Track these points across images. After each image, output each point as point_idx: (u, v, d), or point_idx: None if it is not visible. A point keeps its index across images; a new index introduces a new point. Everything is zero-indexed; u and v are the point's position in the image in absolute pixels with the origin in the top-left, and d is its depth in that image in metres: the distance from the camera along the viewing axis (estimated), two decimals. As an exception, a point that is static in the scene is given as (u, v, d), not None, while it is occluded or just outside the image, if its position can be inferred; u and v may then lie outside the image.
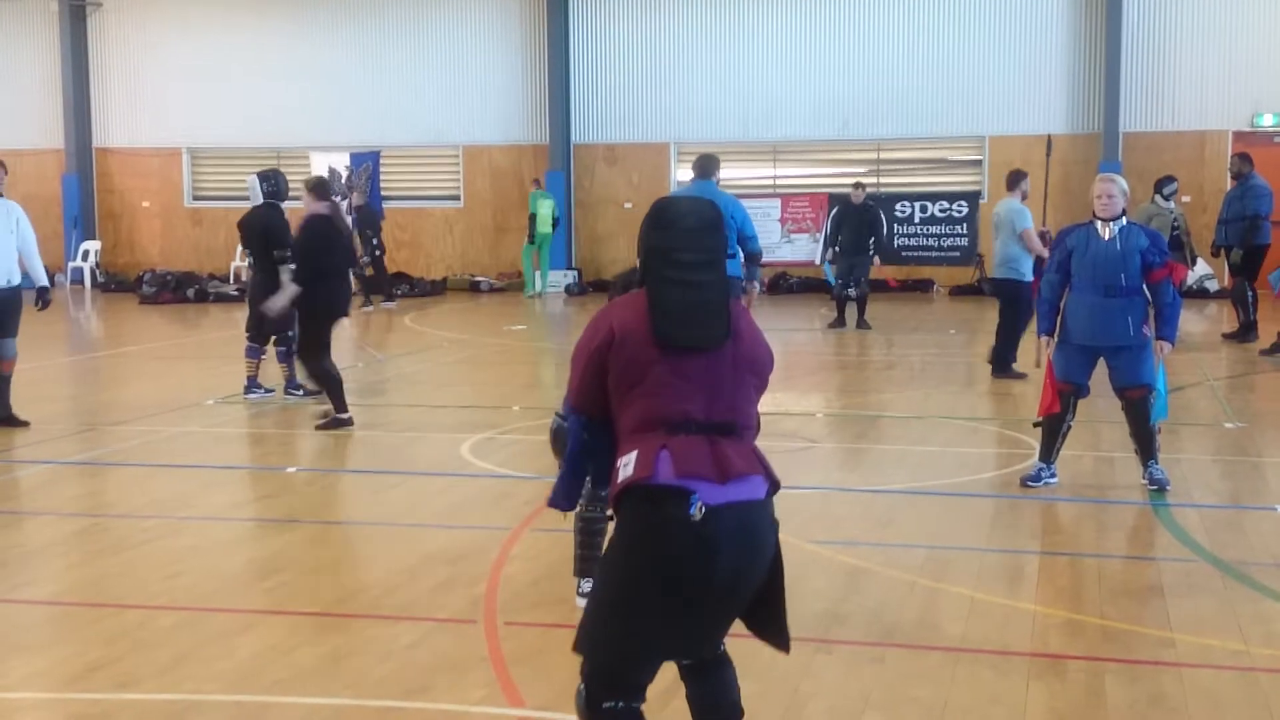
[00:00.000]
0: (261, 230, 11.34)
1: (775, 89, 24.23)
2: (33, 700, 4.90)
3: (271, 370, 12.20)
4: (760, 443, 3.69)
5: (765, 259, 23.07)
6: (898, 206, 23.86)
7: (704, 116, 24.51)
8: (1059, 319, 8.14)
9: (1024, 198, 12.67)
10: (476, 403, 12.11)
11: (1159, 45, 22.67)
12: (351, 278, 11.79)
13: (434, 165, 26.33)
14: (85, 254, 26.61)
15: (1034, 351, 10.62)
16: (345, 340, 18.02)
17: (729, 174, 23.85)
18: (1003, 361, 12.80)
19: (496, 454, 9.45)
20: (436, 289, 24.74)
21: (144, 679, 5.05)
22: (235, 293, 22.35)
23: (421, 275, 25.35)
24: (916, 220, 23.93)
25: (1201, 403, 11.48)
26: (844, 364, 15.05)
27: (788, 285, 23.80)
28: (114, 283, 25.97)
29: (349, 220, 16.25)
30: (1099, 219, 7.97)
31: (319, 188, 10.77)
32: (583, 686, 3.62)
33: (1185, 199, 19.83)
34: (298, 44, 26.37)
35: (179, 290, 23.47)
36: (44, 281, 10.72)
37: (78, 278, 26.36)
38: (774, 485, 3.61)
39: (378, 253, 21.13)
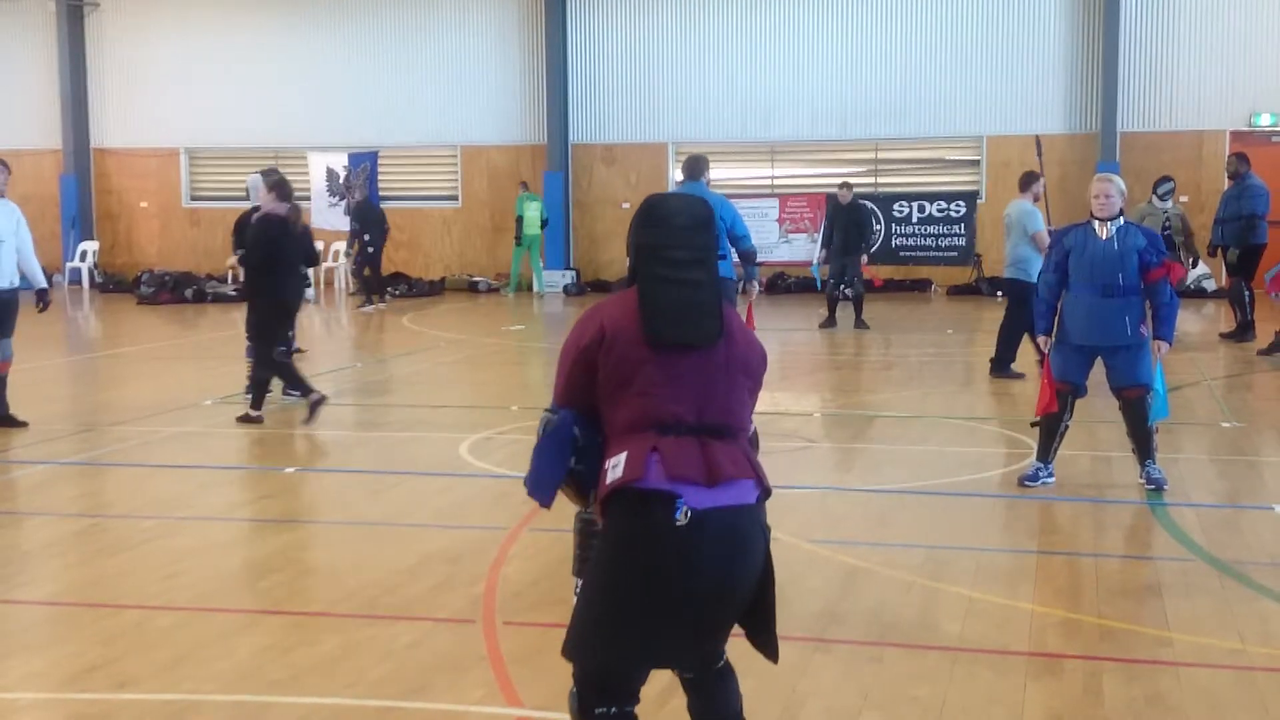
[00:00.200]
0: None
1: (773, 89, 24.24)
2: (31, 700, 4.90)
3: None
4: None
5: (763, 259, 23.22)
6: (895, 206, 23.88)
7: (702, 116, 24.52)
8: (1057, 319, 8.16)
9: (1036, 199, 12.66)
10: (475, 403, 12.12)
11: (1157, 45, 22.68)
12: (309, 274, 12.14)
13: (432, 165, 26.33)
14: (83, 254, 26.61)
15: (1034, 352, 10.63)
16: (344, 340, 18.03)
17: (728, 174, 23.92)
18: (1002, 361, 12.81)
19: (495, 454, 9.45)
20: (434, 289, 24.74)
21: (143, 679, 5.05)
22: (233, 293, 22.32)
23: (419, 275, 25.35)
24: (914, 220, 23.94)
25: (1199, 402, 11.49)
26: (842, 364, 15.06)
27: (785, 285, 23.81)
28: (112, 283, 25.97)
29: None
30: (1096, 219, 7.98)
31: (280, 187, 10.90)
32: (575, 691, 3.58)
33: (1183, 199, 19.84)
34: (296, 44, 26.37)
35: (177, 290, 23.47)
36: (43, 283, 10.74)
37: (76, 278, 26.35)
38: (765, 491, 3.54)
39: (370, 249, 21.08)
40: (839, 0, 23.94)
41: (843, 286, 17.73)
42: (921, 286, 23.61)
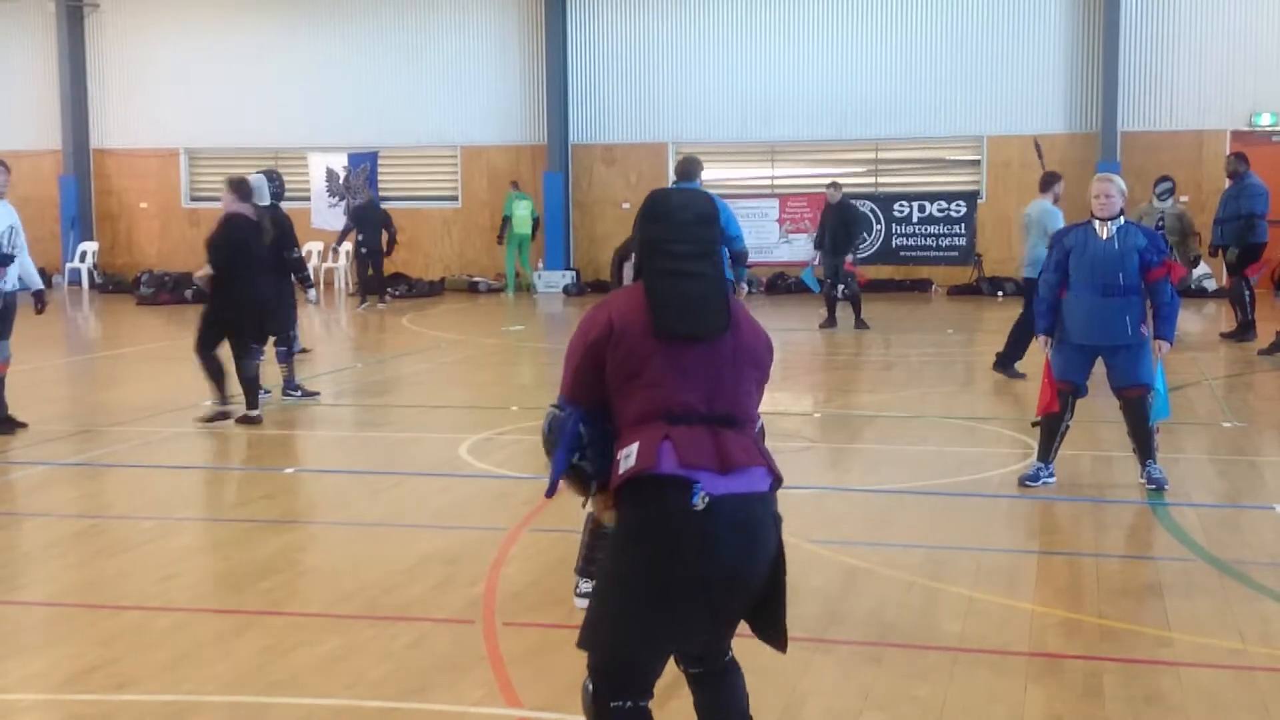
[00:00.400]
0: (274, 230, 11.56)
1: (773, 89, 24.23)
2: (30, 701, 4.89)
3: (270, 371, 12.18)
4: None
5: (763, 259, 23.22)
6: (896, 206, 23.88)
7: (702, 116, 24.52)
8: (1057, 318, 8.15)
9: (1056, 200, 12.64)
10: (475, 403, 12.11)
11: (1157, 45, 22.67)
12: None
13: (432, 166, 26.33)
14: (83, 255, 26.59)
15: (1039, 354, 10.60)
16: (344, 340, 18.02)
17: (728, 174, 23.93)
18: (1007, 359, 12.77)
19: (495, 454, 9.44)
20: (434, 289, 24.74)
21: (142, 680, 5.05)
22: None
23: (419, 276, 25.34)
24: (914, 220, 23.93)
25: (1200, 402, 11.49)
26: (842, 364, 15.05)
27: (785, 285, 23.80)
28: (111, 284, 25.96)
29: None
30: (1097, 218, 7.98)
31: (240, 187, 10.96)
32: (589, 684, 3.55)
33: (1184, 199, 19.84)
34: (296, 45, 26.37)
35: (176, 291, 23.44)
36: (39, 285, 10.76)
37: (75, 279, 26.34)
38: (777, 479, 3.57)
39: (363, 249, 21.08)
40: (839, 0, 23.95)
41: (840, 287, 17.71)
42: (922, 286, 23.60)
